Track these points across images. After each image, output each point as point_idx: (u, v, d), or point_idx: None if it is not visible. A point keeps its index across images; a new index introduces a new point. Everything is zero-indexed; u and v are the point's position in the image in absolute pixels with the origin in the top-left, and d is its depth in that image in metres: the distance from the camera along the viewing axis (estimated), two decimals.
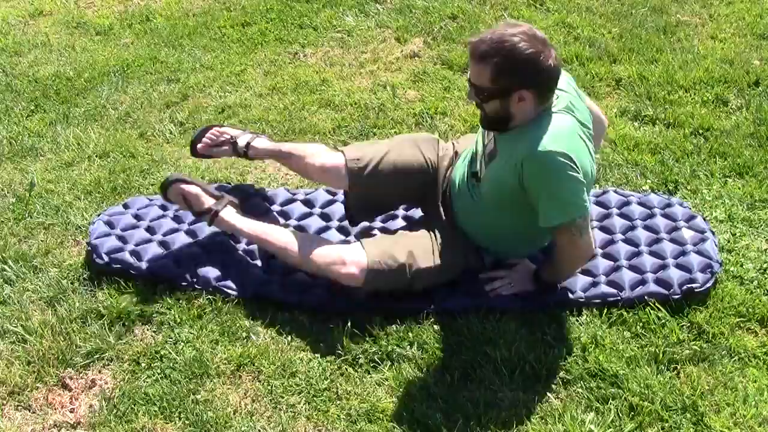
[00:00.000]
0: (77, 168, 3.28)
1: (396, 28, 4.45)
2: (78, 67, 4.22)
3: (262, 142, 2.90)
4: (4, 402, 2.20)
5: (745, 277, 2.53)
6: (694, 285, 2.43)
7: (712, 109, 3.54)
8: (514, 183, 2.23)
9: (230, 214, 2.62)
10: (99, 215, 2.87)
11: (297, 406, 2.16)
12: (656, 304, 2.40)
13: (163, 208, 2.91)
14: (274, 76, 4.04)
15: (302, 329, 2.41)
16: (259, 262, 2.64)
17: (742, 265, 2.58)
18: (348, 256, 2.41)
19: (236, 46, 4.40)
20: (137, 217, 2.87)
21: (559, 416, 2.09)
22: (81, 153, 3.38)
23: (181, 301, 2.50)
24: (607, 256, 2.62)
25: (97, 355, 2.33)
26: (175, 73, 4.11)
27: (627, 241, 2.68)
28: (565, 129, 2.20)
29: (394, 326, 2.37)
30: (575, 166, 2.15)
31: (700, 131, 3.38)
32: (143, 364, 2.30)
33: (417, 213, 2.84)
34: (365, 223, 2.78)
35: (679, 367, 2.23)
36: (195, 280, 2.55)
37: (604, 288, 2.46)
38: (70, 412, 2.17)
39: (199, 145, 2.96)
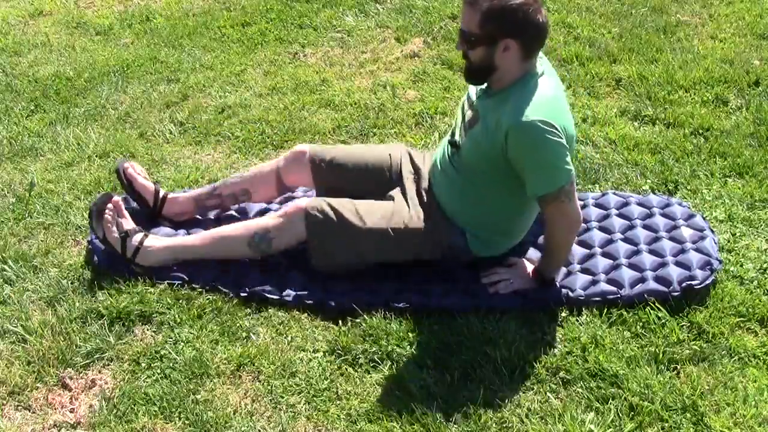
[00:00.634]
0: (77, 168, 3.28)
1: (396, 28, 4.45)
2: (78, 67, 4.22)
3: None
4: (4, 402, 2.20)
5: (745, 277, 2.53)
6: (693, 282, 2.44)
7: (712, 109, 3.54)
8: (497, 150, 2.25)
9: (156, 240, 2.60)
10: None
11: (297, 406, 2.16)
12: (656, 303, 2.40)
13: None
14: (274, 76, 4.04)
15: (302, 329, 2.41)
16: (257, 262, 2.64)
17: (742, 265, 2.58)
18: (291, 205, 2.55)
19: (236, 46, 4.40)
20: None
21: (559, 416, 2.08)
22: (81, 153, 3.38)
23: (181, 301, 2.50)
24: (606, 255, 2.62)
25: (97, 355, 2.33)
26: (175, 73, 4.11)
27: (626, 240, 2.68)
28: (549, 94, 2.24)
29: (394, 326, 2.37)
30: (558, 132, 2.18)
31: (700, 131, 3.38)
32: (143, 364, 2.30)
33: None
34: None
35: (679, 367, 2.22)
36: (193, 279, 2.56)
37: (604, 286, 2.46)
38: (70, 412, 2.17)
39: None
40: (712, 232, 2.69)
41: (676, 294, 2.42)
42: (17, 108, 3.82)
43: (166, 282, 2.56)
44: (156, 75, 4.10)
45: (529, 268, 2.50)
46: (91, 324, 2.43)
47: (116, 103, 3.83)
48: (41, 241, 2.82)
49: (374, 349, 2.31)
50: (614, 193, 2.93)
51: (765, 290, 2.49)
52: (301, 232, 2.49)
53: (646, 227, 2.73)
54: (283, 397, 2.18)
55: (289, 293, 2.50)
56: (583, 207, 2.86)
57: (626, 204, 2.86)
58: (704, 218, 2.77)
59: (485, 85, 2.37)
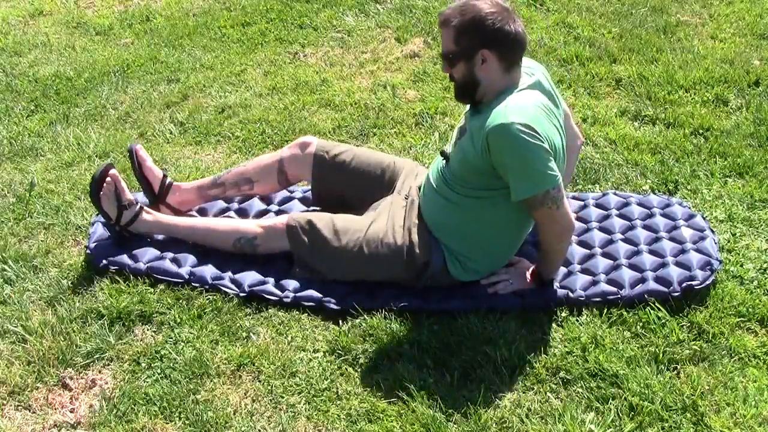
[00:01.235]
0: (77, 168, 3.28)
1: (396, 28, 4.45)
2: (78, 67, 4.22)
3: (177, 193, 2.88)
4: (4, 402, 2.20)
5: (745, 277, 2.53)
6: (693, 282, 2.44)
7: (712, 109, 3.54)
8: (483, 159, 2.26)
9: (156, 213, 2.72)
10: (98, 216, 2.86)
11: (297, 406, 2.16)
12: (656, 303, 2.40)
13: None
14: (274, 76, 4.04)
15: (302, 329, 2.41)
16: (256, 262, 2.64)
17: (742, 265, 2.58)
18: (276, 219, 2.62)
19: (236, 46, 4.40)
20: None
21: (559, 416, 2.08)
22: (81, 153, 3.38)
23: (181, 301, 2.50)
24: (606, 255, 2.62)
25: (97, 355, 2.33)
26: (175, 73, 4.12)
27: (626, 240, 2.68)
28: (528, 102, 2.25)
29: (394, 326, 2.37)
30: (538, 135, 2.18)
31: (700, 131, 3.38)
32: (143, 364, 2.30)
33: None
34: None
35: (679, 367, 2.22)
36: (192, 278, 2.56)
37: (604, 286, 2.46)
38: (70, 412, 2.17)
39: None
40: (713, 232, 2.69)
41: (676, 294, 2.42)
42: (17, 108, 3.83)
43: (166, 282, 2.56)
44: (156, 75, 4.10)
45: (529, 267, 2.50)
46: (91, 324, 2.43)
47: (116, 103, 3.83)
48: (41, 241, 2.82)
49: (374, 349, 2.31)
50: (614, 194, 2.93)
51: (765, 290, 2.49)
52: (284, 245, 2.58)
53: (646, 227, 2.73)
54: (283, 397, 2.18)
55: (289, 294, 2.50)
56: (584, 207, 2.87)
57: (627, 204, 2.86)
58: (704, 218, 2.77)
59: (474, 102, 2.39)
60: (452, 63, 2.30)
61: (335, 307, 2.45)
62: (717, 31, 4.31)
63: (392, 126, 3.51)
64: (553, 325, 2.37)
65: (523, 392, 2.17)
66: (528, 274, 2.48)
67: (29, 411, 2.18)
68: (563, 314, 2.40)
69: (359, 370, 2.26)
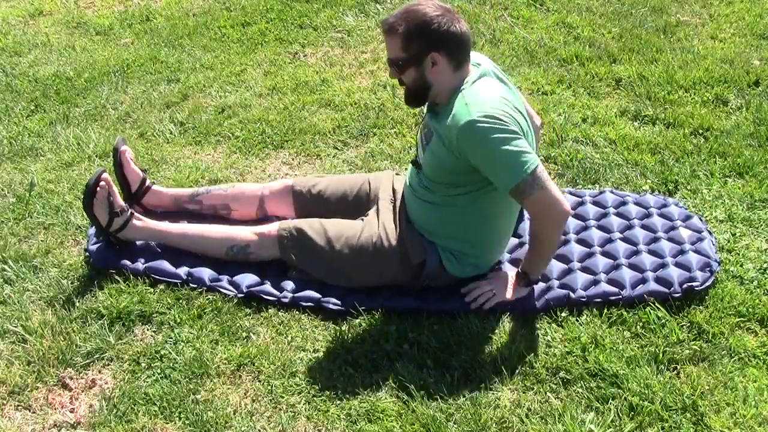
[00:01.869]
0: (77, 168, 3.28)
1: None
2: (78, 67, 4.22)
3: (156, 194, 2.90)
4: (4, 402, 2.20)
5: (745, 277, 2.53)
6: (694, 284, 2.44)
7: (712, 109, 3.54)
8: (460, 160, 2.25)
9: (145, 218, 2.72)
10: None
11: (297, 406, 2.16)
12: (656, 303, 2.40)
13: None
14: (274, 76, 4.04)
15: (302, 329, 2.41)
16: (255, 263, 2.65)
17: (742, 265, 2.58)
18: (268, 228, 2.62)
19: (236, 46, 4.40)
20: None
21: (559, 416, 2.08)
22: (81, 153, 3.38)
23: (181, 301, 2.50)
24: (606, 254, 2.62)
25: (97, 355, 2.33)
26: (175, 73, 4.12)
27: (625, 239, 2.68)
28: (486, 92, 2.25)
29: (394, 326, 2.37)
30: (505, 122, 2.18)
31: (700, 131, 3.38)
32: (143, 364, 2.30)
33: None
34: None
35: (679, 367, 2.22)
36: (190, 279, 2.56)
37: (605, 286, 2.46)
38: (70, 412, 2.17)
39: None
40: (710, 233, 2.69)
41: (677, 295, 2.42)
42: (17, 108, 3.83)
43: (165, 282, 2.56)
44: (156, 75, 4.10)
45: (511, 275, 2.46)
46: (91, 324, 2.43)
47: (116, 103, 3.83)
48: (41, 241, 2.82)
49: (374, 349, 2.31)
50: (611, 191, 2.93)
51: (765, 290, 2.49)
52: (276, 253, 2.58)
53: (644, 227, 2.74)
54: (283, 397, 2.18)
55: (287, 295, 2.50)
56: (581, 204, 2.87)
57: (624, 203, 2.86)
58: (701, 219, 2.77)
59: (427, 104, 2.40)
60: (402, 70, 2.29)
61: (334, 307, 2.45)
62: (717, 31, 4.32)
63: (392, 126, 3.51)
64: (553, 325, 2.37)
65: (523, 392, 2.17)
66: (512, 282, 2.44)
67: (29, 411, 2.18)
68: (563, 314, 2.40)
69: (359, 370, 2.26)
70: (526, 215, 2.70)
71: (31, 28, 4.82)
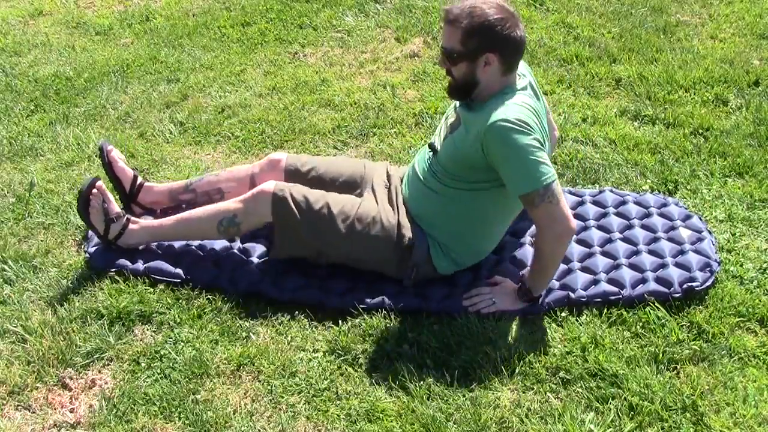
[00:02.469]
0: (77, 168, 3.28)
1: (396, 28, 4.45)
2: (78, 67, 4.22)
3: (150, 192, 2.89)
4: (4, 402, 2.20)
5: (745, 277, 2.53)
6: (694, 284, 2.44)
7: (712, 109, 3.54)
8: (478, 157, 2.28)
9: (140, 220, 2.73)
10: None
11: (297, 406, 2.16)
12: (656, 303, 2.40)
13: (164, 210, 2.92)
14: (274, 76, 4.04)
15: (302, 329, 2.41)
16: (253, 260, 2.65)
17: (741, 265, 2.58)
18: (258, 188, 2.56)
19: (236, 46, 4.40)
20: None
21: (559, 416, 2.08)
22: (81, 153, 3.38)
23: (181, 301, 2.50)
24: (606, 254, 2.62)
25: (97, 355, 2.33)
26: (175, 73, 4.11)
27: (625, 239, 2.68)
28: (522, 102, 2.29)
29: (394, 326, 2.37)
30: (530, 129, 2.22)
31: (700, 131, 3.38)
32: (143, 364, 2.30)
33: None
34: None
35: (679, 367, 2.22)
36: (189, 278, 2.56)
37: (606, 286, 2.46)
38: (70, 412, 2.17)
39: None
40: (710, 233, 2.69)
41: (677, 295, 2.42)
42: (17, 108, 3.82)
43: (165, 282, 2.56)
44: (156, 75, 4.10)
45: (514, 287, 2.46)
46: (91, 324, 2.43)
47: (116, 103, 3.83)
48: (41, 241, 2.82)
49: (374, 349, 2.31)
50: (611, 191, 2.93)
51: (765, 290, 2.49)
52: (266, 214, 2.52)
53: (644, 227, 2.74)
54: (283, 397, 2.18)
55: (286, 294, 2.50)
56: (581, 204, 2.87)
57: (624, 203, 2.86)
58: (701, 219, 2.77)
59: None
60: (454, 62, 2.31)
61: (333, 305, 2.45)
62: (717, 31, 4.31)
63: (392, 126, 3.51)
64: (553, 325, 2.37)
65: (523, 392, 2.17)
66: (513, 293, 2.44)
67: (29, 411, 2.18)
68: (563, 314, 2.40)
69: (359, 370, 2.26)
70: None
71: (30, 28, 4.82)
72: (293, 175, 2.73)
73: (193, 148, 3.44)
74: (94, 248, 2.69)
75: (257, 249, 2.70)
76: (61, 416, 2.15)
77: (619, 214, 2.81)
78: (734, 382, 2.17)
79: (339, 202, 2.52)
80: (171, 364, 2.29)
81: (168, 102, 3.81)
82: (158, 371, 2.27)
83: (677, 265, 2.53)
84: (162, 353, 2.33)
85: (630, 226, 2.74)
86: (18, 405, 2.20)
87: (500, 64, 2.29)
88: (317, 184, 2.68)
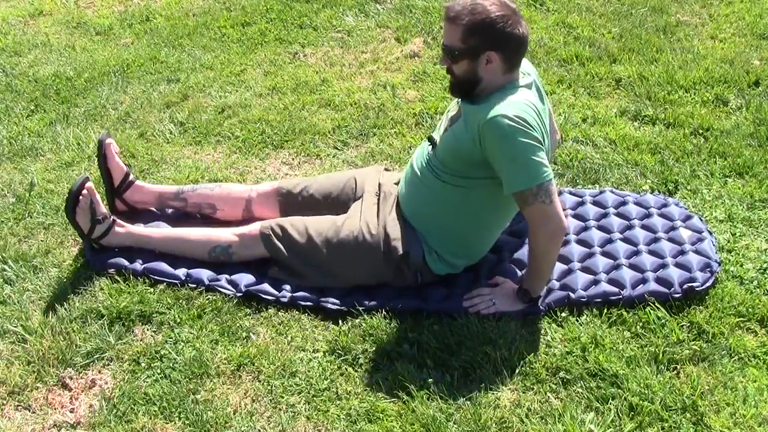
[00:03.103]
0: (77, 168, 3.28)
1: (396, 28, 4.45)
2: (78, 67, 4.22)
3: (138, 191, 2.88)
4: (4, 402, 2.20)
5: (745, 277, 2.53)
6: (694, 284, 2.44)
7: (712, 109, 3.54)
8: (475, 150, 2.27)
9: (127, 224, 2.72)
10: None
11: (297, 406, 2.16)
12: (656, 303, 2.40)
13: (159, 210, 2.92)
14: (274, 76, 4.04)
15: (302, 329, 2.41)
16: (253, 261, 2.64)
17: (742, 265, 2.58)
18: (249, 228, 2.63)
19: (236, 46, 4.40)
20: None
21: (559, 416, 2.08)
22: (81, 153, 3.38)
23: (181, 301, 2.50)
24: (606, 254, 2.62)
25: (97, 355, 2.33)
26: (175, 73, 4.11)
27: (625, 240, 2.68)
28: (525, 99, 2.27)
29: (394, 326, 2.37)
30: (530, 127, 2.20)
31: (700, 131, 3.38)
32: (143, 364, 2.30)
33: None
34: None
35: (679, 367, 2.22)
36: (189, 279, 2.56)
37: (606, 286, 2.46)
38: (70, 412, 2.17)
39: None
40: (710, 233, 2.69)
41: (677, 295, 2.42)
42: (17, 108, 3.82)
43: (165, 282, 2.56)
44: (156, 75, 4.10)
45: (514, 288, 2.45)
46: (91, 324, 2.43)
47: (116, 103, 3.83)
48: (41, 241, 2.82)
49: (374, 349, 2.31)
50: (612, 191, 2.93)
51: (765, 290, 2.49)
52: (260, 251, 2.58)
53: (644, 227, 2.74)
54: (283, 397, 2.18)
55: (285, 294, 2.50)
56: (581, 204, 2.87)
57: (624, 203, 2.86)
58: (701, 219, 2.77)
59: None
60: (456, 59, 2.30)
61: (334, 307, 2.45)
62: (717, 31, 4.31)
63: (392, 126, 3.51)
64: (553, 325, 2.37)
65: (523, 392, 2.17)
66: (513, 294, 2.43)
67: (29, 411, 2.18)
68: (563, 314, 2.40)
69: (359, 370, 2.26)
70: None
71: (31, 28, 4.82)
72: (287, 198, 2.75)
73: (193, 148, 3.44)
74: (83, 238, 2.68)
75: None
76: (61, 416, 2.15)
77: (619, 215, 2.81)
78: (734, 382, 2.17)
79: (321, 231, 2.52)
80: (171, 364, 2.29)
81: (168, 102, 3.81)
82: (158, 371, 2.27)
83: (677, 265, 2.53)
84: (162, 353, 2.33)
85: (630, 227, 2.74)
86: (18, 405, 2.20)
87: (502, 62, 2.28)
88: (310, 204, 2.71)
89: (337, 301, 2.46)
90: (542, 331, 2.34)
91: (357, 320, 2.40)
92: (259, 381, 2.24)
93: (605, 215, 2.81)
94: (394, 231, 2.48)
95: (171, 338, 2.38)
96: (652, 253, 2.60)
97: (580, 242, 2.69)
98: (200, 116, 3.67)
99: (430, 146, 2.46)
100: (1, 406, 2.19)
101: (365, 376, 2.24)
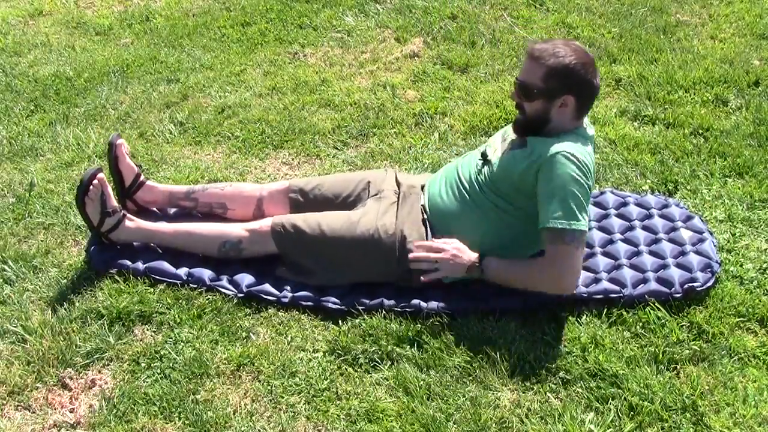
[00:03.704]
0: (77, 168, 3.28)
1: (396, 28, 4.45)
2: (78, 67, 4.22)
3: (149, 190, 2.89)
4: (4, 402, 2.20)
5: (745, 277, 2.53)
6: (695, 284, 2.44)
7: (712, 109, 3.54)
8: (530, 177, 2.30)
9: (137, 219, 2.72)
10: None
11: (297, 406, 2.16)
12: (656, 303, 2.40)
13: (160, 210, 2.92)
14: (274, 76, 4.04)
15: (302, 329, 2.41)
16: (254, 263, 2.65)
17: (741, 265, 2.58)
18: (260, 223, 2.63)
19: (236, 46, 4.40)
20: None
21: (559, 416, 2.09)
22: (81, 153, 3.38)
23: (181, 301, 2.50)
24: (607, 254, 2.62)
25: (97, 355, 2.33)
26: (175, 73, 4.11)
27: (626, 240, 2.68)
28: (588, 149, 2.34)
29: (394, 326, 2.37)
30: (588, 176, 2.26)
31: (700, 131, 3.38)
32: (143, 364, 2.30)
33: None
34: None
35: (679, 367, 2.23)
36: (190, 279, 2.56)
37: (607, 284, 2.46)
38: (70, 412, 2.17)
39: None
40: (711, 234, 2.69)
41: (677, 295, 2.42)
42: (17, 108, 3.82)
43: (165, 282, 2.56)
44: (156, 75, 4.10)
45: (470, 258, 2.39)
46: (91, 324, 2.43)
47: (116, 103, 3.83)
48: (41, 241, 2.82)
49: (374, 349, 2.31)
50: (612, 192, 2.93)
51: (765, 290, 2.49)
52: (270, 248, 2.58)
53: (645, 228, 2.74)
54: (283, 397, 2.18)
55: (287, 294, 2.50)
56: None
57: (625, 204, 2.86)
58: (702, 220, 2.77)
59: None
60: (531, 98, 2.33)
61: (334, 306, 2.45)
62: (717, 31, 4.31)
63: (392, 126, 3.51)
64: (553, 325, 2.37)
65: (523, 392, 2.17)
66: (463, 266, 2.39)
67: (29, 411, 2.18)
68: (563, 314, 2.40)
69: (359, 370, 2.26)
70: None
71: (30, 28, 4.82)
72: (298, 196, 2.75)
73: (193, 148, 3.44)
74: (94, 248, 2.69)
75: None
76: (61, 416, 2.15)
77: (620, 216, 2.81)
78: (734, 382, 2.17)
79: (335, 227, 2.52)
80: (171, 364, 2.29)
81: (168, 102, 3.81)
82: (158, 371, 2.27)
83: (678, 265, 2.53)
84: (162, 353, 2.33)
85: (631, 228, 2.74)
86: (18, 405, 2.20)
87: (575, 107, 2.33)
88: (321, 203, 2.70)
89: (338, 301, 2.47)
90: (542, 331, 2.34)
91: (357, 320, 2.40)
92: (259, 381, 2.24)
93: (606, 216, 2.81)
94: (411, 233, 2.49)
95: (171, 338, 2.38)
96: (652, 253, 2.60)
97: None
98: (200, 116, 3.67)
99: (482, 162, 2.48)
100: (1, 406, 2.19)
101: (365, 376, 2.24)
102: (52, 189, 3.12)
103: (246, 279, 2.55)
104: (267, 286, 2.52)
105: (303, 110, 3.68)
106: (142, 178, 2.87)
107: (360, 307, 2.43)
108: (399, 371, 2.23)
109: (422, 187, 2.67)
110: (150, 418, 2.12)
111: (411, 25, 4.47)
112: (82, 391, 2.23)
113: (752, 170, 3.09)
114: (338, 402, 2.17)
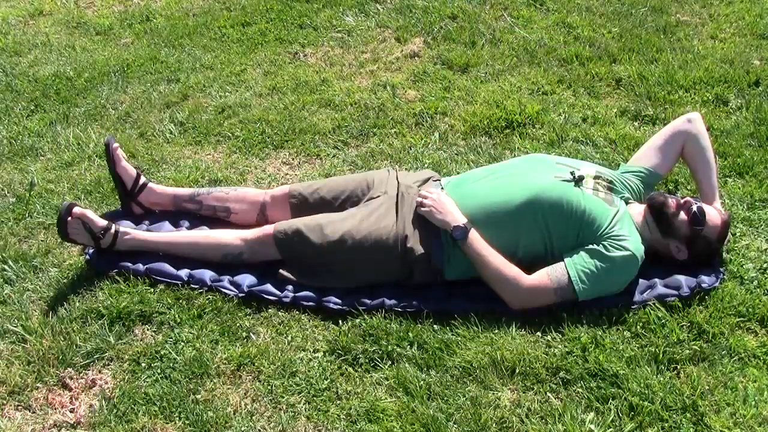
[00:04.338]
0: (77, 168, 3.28)
1: (396, 28, 4.45)
2: (78, 67, 4.22)
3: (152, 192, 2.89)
4: (4, 402, 2.20)
5: (745, 277, 2.53)
6: (703, 285, 2.44)
7: (712, 109, 3.54)
8: (593, 229, 2.42)
9: (132, 230, 2.71)
10: None
11: (297, 406, 2.16)
12: (656, 303, 2.40)
13: (161, 211, 2.92)
14: (274, 76, 4.04)
15: (302, 329, 2.41)
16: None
17: (742, 265, 2.58)
18: (262, 230, 2.63)
19: (236, 46, 4.40)
20: (136, 221, 2.87)
21: (559, 416, 2.08)
22: (81, 153, 3.38)
23: (181, 301, 2.50)
24: None
25: (97, 355, 2.33)
26: (175, 73, 4.12)
27: None
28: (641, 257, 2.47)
29: (394, 326, 2.37)
30: (635, 269, 2.43)
31: None
32: (143, 364, 2.30)
33: None
34: None
35: (679, 367, 2.22)
36: (191, 280, 2.56)
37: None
38: (70, 412, 2.17)
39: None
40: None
41: (685, 295, 2.42)
42: (17, 108, 3.83)
43: (165, 282, 2.56)
44: (156, 75, 4.10)
45: (454, 223, 2.45)
46: (91, 324, 2.43)
47: (116, 103, 3.83)
48: (41, 241, 2.82)
49: (374, 349, 2.31)
50: None
51: (765, 290, 2.49)
52: (272, 253, 2.58)
53: None
54: (283, 397, 2.18)
55: (288, 294, 2.50)
56: None
57: None
58: None
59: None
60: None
61: (335, 306, 2.45)
62: (717, 31, 4.31)
63: (392, 126, 3.51)
64: (553, 325, 2.37)
65: (523, 392, 2.17)
66: (449, 222, 2.46)
67: (29, 411, 2.18)
68: (563, 314, 2.40)
69: (359, 370, 2.26)
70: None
71: (31, 28, 4.82)
72: (299, 200, 2.74)
73: (193, 148, 3.44)
74: (94, 249, 2.69)
75: None
76: (61, 416, 2.15)
77: None
78: (734, 382, 2.17)
79: (336, 229, 2.52)
80: (171, 364, 2.29)
81: (168, 102, 3.81)
82: (158, 371, 2.27)
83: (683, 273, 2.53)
84: (162, 353, 2.33)
85: None
86: (18, 405, 2.20)
87: (684, 252, 2.53)
88: (321, 206, 2.70)
89: (339, 301, 2.47)
90: (542, 331, 2.34)
91: (357, 320, 2.40)
92: (259, 381, 2.24)
93: None
94: (413, 233, 2.50)
95: (171, 338, 2.38)
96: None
97: None
98: (200, 116, 3.67)
99: (571, 182, 2.50)
100: (1, 406, 2.19)
101: (365, 376, 2.24)
102: (52, 189, 3.12)
103: (248, 279, 2.55)
104: (269, 286, 2.52)
105: (303, 110, 3.68)
106: (143, 179, 2.87)
107: (360, 307, 2.43)
108: (399, 371, 2.23)
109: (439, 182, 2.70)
110: (150, 418, 2.12)
111: (411, 25, 4.47)
112: (83, 391, 2.23)
113: (752, 170, 3.09)
114: (338, 402, 2.17)
